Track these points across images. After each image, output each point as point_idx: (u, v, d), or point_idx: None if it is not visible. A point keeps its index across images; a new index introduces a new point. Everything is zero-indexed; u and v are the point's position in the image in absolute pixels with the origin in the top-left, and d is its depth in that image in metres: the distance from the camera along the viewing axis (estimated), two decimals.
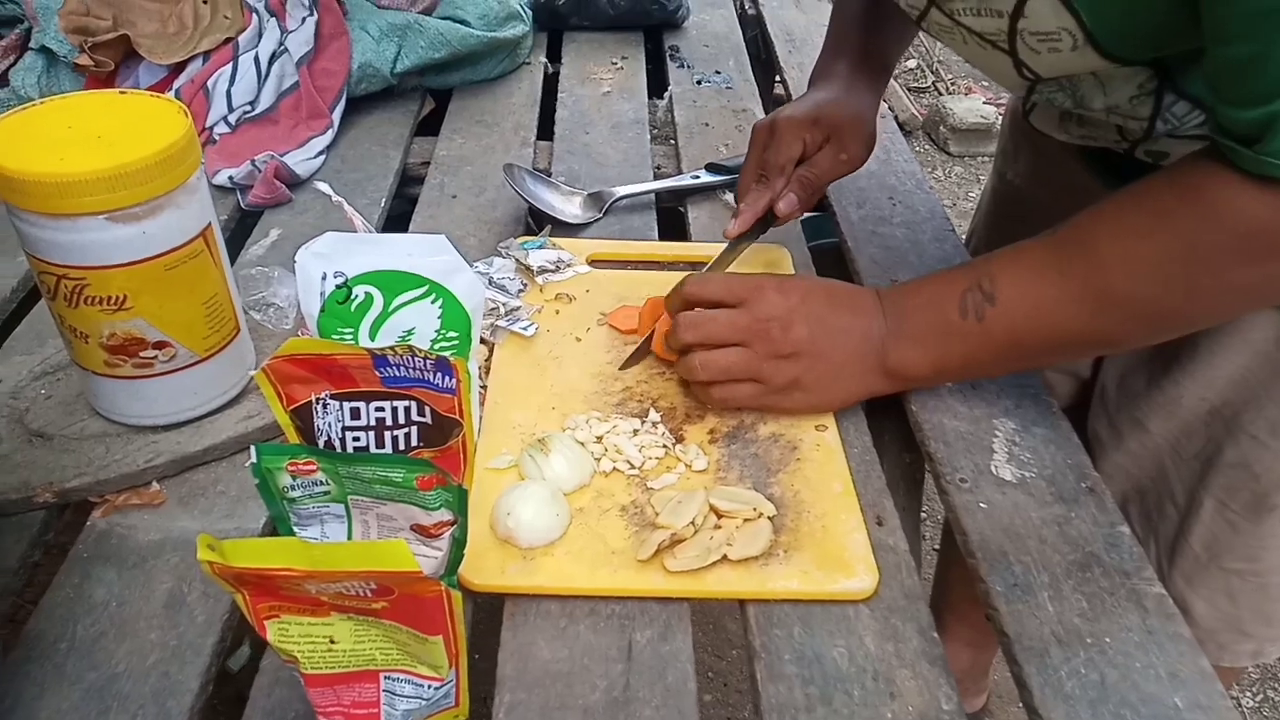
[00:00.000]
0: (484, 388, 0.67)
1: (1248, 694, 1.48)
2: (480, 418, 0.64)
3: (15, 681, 0.48)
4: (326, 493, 0.45)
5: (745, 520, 0.57)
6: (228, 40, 0.99)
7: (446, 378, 0.47)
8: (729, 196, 0.93)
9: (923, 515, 1.66)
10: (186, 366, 0.60)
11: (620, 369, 0.69)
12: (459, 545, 0.45)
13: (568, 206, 0.89)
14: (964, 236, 1.07)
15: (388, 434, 0.49)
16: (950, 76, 3.22)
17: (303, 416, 0.48)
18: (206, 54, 0.99)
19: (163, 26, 0.98)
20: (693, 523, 0.55)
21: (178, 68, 0.98)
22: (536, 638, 0.52)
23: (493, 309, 0.73)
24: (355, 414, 0.49)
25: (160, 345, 0.58)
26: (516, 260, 0.80)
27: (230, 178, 0.89)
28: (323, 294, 0.56)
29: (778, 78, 1.24)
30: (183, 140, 0.55)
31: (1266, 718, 1.46)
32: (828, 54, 0.86)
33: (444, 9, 1.09)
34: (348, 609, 0.41)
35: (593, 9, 1.25)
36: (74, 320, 0.57)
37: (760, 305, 0.64)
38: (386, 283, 0.57)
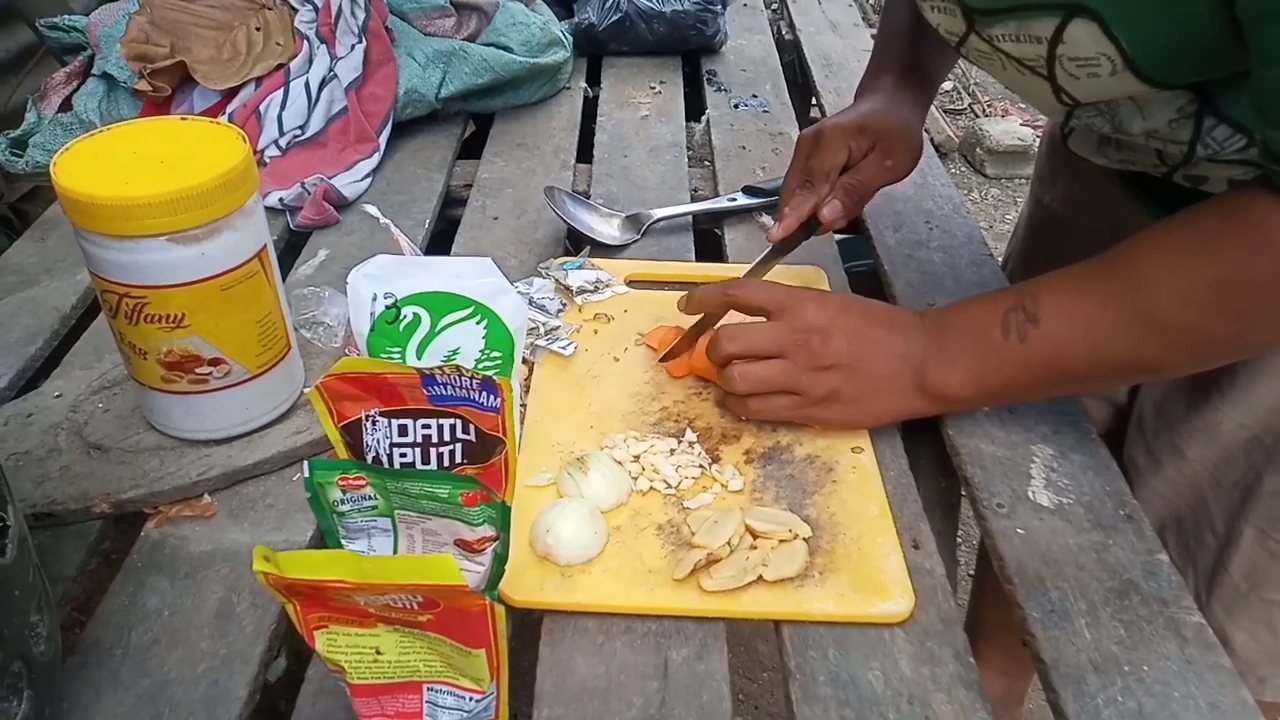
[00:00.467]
0: (523, 406, 0.68)
1: None
2: (520, 435, 0.65)
3: (74, 685, 0.50)
4: (374, 507, 0.47)
5: (781, 541, 0.57)
6: (279, 66, 1.02)
7: (492, 397, 0.48)
8: (765, 218, 0.94)
9: (958, 540, 1.65)
10: (240, 383, 0.62)
11: (659, 362, 0.72)
12: (501, 561, 0.46)
13: (606, 228, 0.91)
14: (1000, 260, 1.07)
15: (433, 451, 0.51)
16: (987, 99, 3.22)
17: (352, 433, 0.49)
18: (259, 79, 1.02)
19: (218, 53, 1.01)
20: (728, 543, 0.56)
21: (231, 93, 1.01)
22: (574, 654, 0.52)
23: (532, 328, 0.74)
24: (403, 431, 0.50)
25: (215, 362, 0.60)
26: (556, 280, 0.81)
27: (280, 199, 0.92)
28: (373, 314, 0.58)
29: (814, 102, 1.25)
30: (241, 165, 0.57)
31: None
32: (873, 68, 0.87)
33: (488, 36, 1.11)
34: (394, 621, 0.42)
35: (632, 34, 1.28)
36: (133, 337, 0.59)
37: (800, 317, 0.64)
38: (434, 304, 0.59)
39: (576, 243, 0.90)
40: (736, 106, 1.18)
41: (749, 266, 0.78)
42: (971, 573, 1.47)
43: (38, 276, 0.83)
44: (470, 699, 0.45)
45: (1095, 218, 0.83)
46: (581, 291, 0.80)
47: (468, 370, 0.47)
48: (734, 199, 0.95)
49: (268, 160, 0.98)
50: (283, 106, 0.99)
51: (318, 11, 1.05)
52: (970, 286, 0.82)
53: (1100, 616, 0.54)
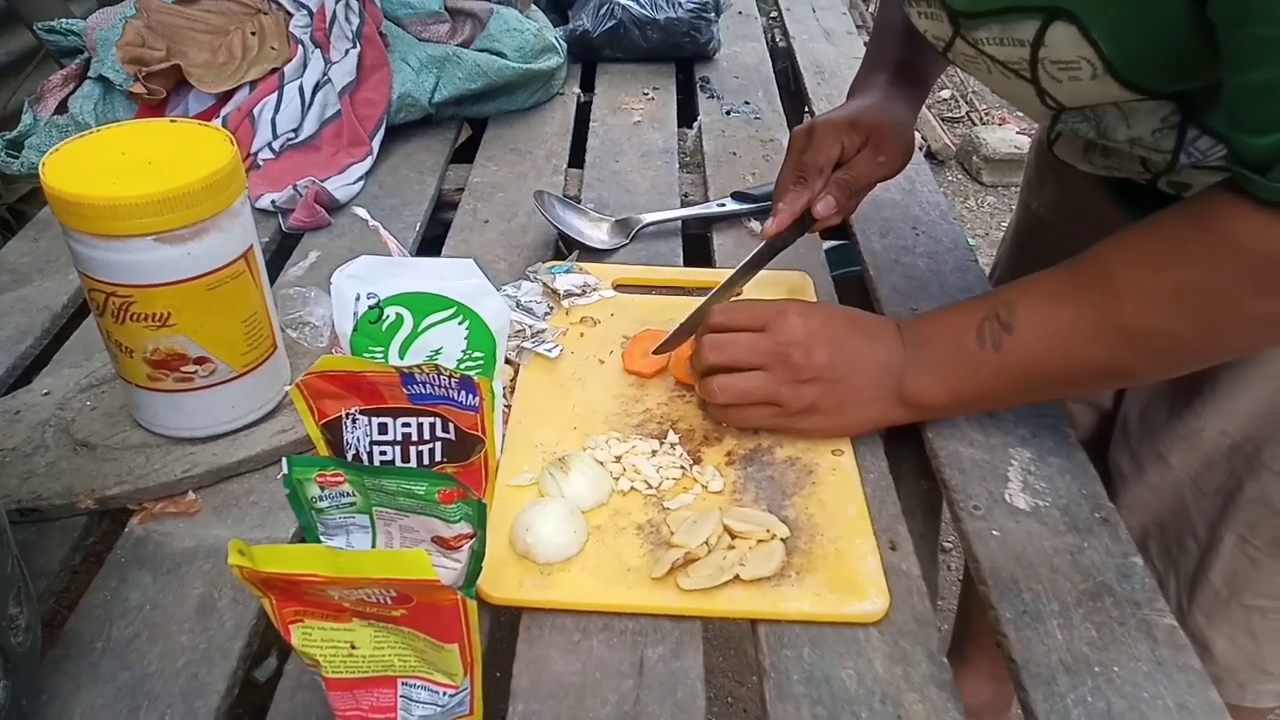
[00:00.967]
0: (508, 407, 0.69)
1: None
2: (504, 436, 0.66)
3: (54, 678, 0.51)
4: (353, 504, 0.47)
5: (759, 541, 0.58)
6: (274, 70, 1.03)
7: (470, 396, 0.49)
8: (754, 224, 0.94)
9: (948, 544, 1.66)
10: (225, 381, 0.62)
11: (654, 352, 0.72)
12: (477, 558, 0.47)
13: (595, 232, 0.92)
14: (990, 266, 1.07)
15: (413, 449, 0.51)
16: (984, 106, 3.23)
17: (333, 431, 0.50)
18: (253, 83, 1.03)
19: (213, 57, 1.02)
20: (706, 543, 0.57)
21: (225, 96, 1.02)
22: (550, 651, 0.53)
23: (519, 331, 0.75)
24: (383, 429, 0.51)
25: (201, 361, 0.61)
26: (544, 284, 0.82)
27: (273, 201, 0.93)
28: (356, 314, 0.59)
29: (806, 109, 1.25)
30: (228, 167, 0.58)
31: None
32: (867, 65, 0.88)
33: (482, 41, 1.12)
34: (368, 615, 0.43)
35: (626, 41, 1.29)
36: (120, 335, 0.60)
37: (782, 330, 0.65)
38: (416, 304, 0.60)
39: (568, 247, 0.91)
40: (729, 113, 1.19)
41: (741, 263, 0.78)
42: (962, 578, 1.48)
43: (30, 276, 0.84)
44: (444, 694, 0.46)
45: (1082, 224, 0.83)
46: (568, 295, 0.81)
47: (446, 369, 0.48)
48: (723, 204, 0.96)
49: (261, 163, 0.99)
50: (276, 110, 1.00)
51: (312, 16, 1.06)
52: (954, 292, 0.83)
53: (1073, 618, 0.55)
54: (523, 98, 1.16)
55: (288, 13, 1.06)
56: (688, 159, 1.13)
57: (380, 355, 0.60)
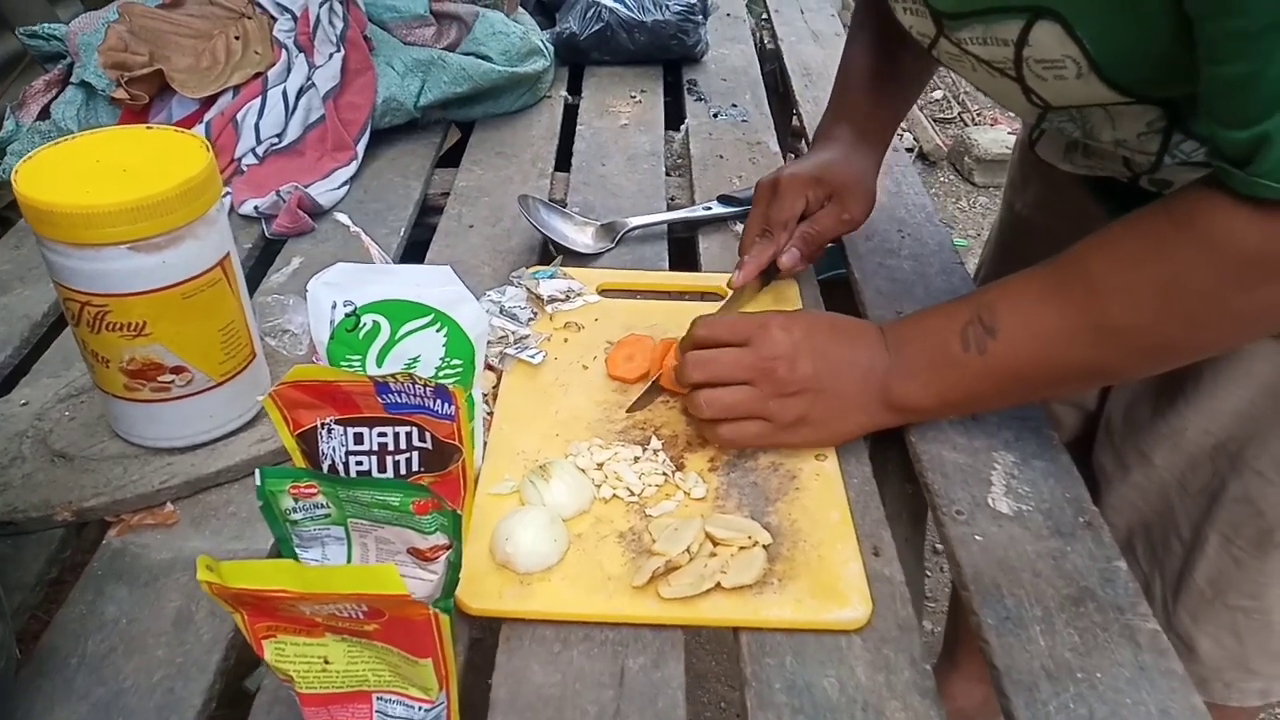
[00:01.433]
0: (490, 414, 0.68)
1: None
2: (485, 444, 0.66)
3: (27, 696, 0.50)
4: (327, 516, 0.47)
5: (740, 548, 0.57)
6: (257, 75, 1.03)
7: (446, 404, 0.49)
8: (739, 227, 0.94)
9: (940, 547, 1.65)
10: (202, 391, 0.62)
11: (628, 411, 0.69)
12: (454, 569, 0.46)
13: (580, 236, 0.91)
14: (975, 266, 1.07)
15: (390, 459, 0.51)
16: (976, 107, 3.23)
17: (308, 441, 0.50)
18: (237, 88, 1.02)
19: (196, 61, 1.02)
20: (688, 550, 0.56)
21: (208, 101, 1.01)
22: (530, 662, 0.52)
23: (502, 336, 0.75)
24: (359, 439, 0.50)
25: (177, 370, 0.60)
26: (528, 289, 0.81)
27: (256, 207, 0.92)
28: (333, 322, 0.59)
29: (794, 111, 1.25)
30: (203, 174, 0.57)
31: None
32: (830, 116, 0.88)
33: (467, 45, 1.12)
34: (341, 630, 0.43)
35: (614, 44, 1.28)
36: (96, 345, 0.59)
37: (765, 344, 0.64)
38: (394, 312, 0.59)
39: (554, 251, 0.90)
40: (716, 116, 1.19)
41: (721, 278, 0.79)
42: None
43: (10, 284, 0.83)
44: (420, 708, 0.45)
45: (1065, 223, 0.83)
46: (553, 300, 0.80)
47: (421, 378, 0.47)
48: (709, 208, 0.95)
49: (245, 169, 0.98)
50: (260, 115, 1.00)
51: (296, 21, 1.05)
52: (939, 294, 0.83)
53: (1055, 623, 0.54)
54: (509, 101, 1.15)
55: (271, 17, 1.06)
56: (674, 162, 1.12)
57: (358, 363, 0.59)
